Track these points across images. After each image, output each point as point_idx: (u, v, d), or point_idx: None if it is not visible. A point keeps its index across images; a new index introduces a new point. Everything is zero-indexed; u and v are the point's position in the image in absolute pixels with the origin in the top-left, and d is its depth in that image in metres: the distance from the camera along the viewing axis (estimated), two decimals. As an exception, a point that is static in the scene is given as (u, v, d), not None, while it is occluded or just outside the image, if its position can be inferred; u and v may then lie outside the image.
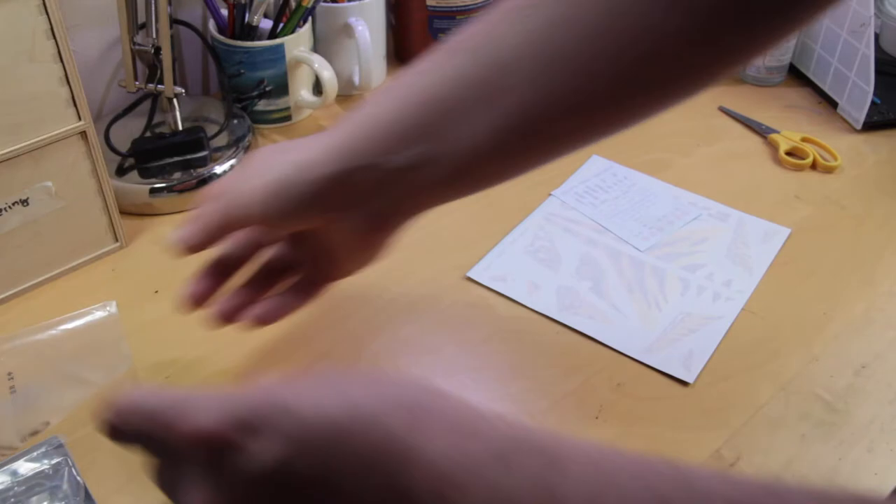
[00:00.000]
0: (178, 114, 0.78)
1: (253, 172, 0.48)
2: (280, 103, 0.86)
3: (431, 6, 0.92)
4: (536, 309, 0.65)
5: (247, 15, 0.82)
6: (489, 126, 0.42)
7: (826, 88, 0.90)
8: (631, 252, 0.71)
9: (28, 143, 0.61)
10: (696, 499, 0.23)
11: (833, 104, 0.89)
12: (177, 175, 0.75)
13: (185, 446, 0.28)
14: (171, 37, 0.73)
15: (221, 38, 0.82)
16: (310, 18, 0.85)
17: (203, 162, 0.76)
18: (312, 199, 0.45)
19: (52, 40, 0.59)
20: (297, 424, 0.26)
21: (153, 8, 0.72)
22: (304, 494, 0.26)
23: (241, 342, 0.62)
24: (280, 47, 0.82)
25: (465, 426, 0.26)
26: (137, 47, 0.74)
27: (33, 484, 0.49)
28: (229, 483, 0.27)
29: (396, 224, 0.49)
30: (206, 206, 0.50)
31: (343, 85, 0.89)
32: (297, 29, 0.83)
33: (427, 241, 0.72)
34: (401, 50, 0.99)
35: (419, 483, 0.24)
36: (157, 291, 0.66)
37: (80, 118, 0.63)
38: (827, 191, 0.78)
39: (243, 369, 0.60)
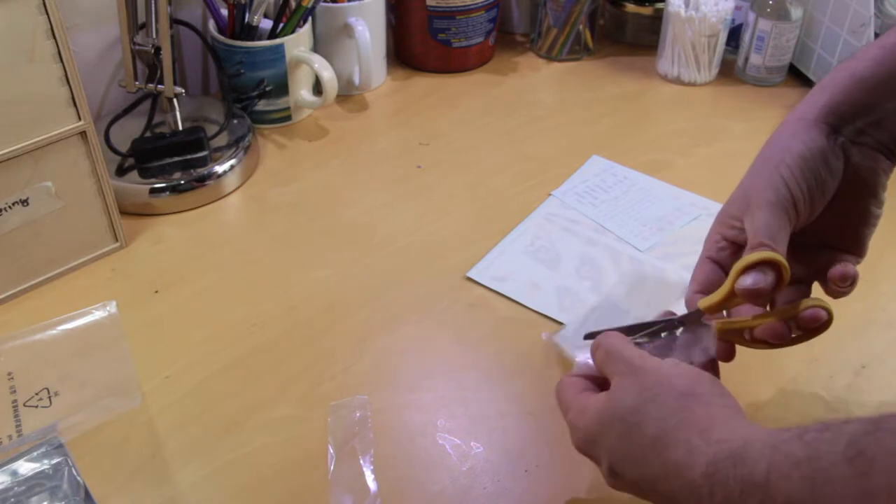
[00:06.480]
0: (178, 114, 0.78)
1: None
2: (280, 103, 0.86)
3: (431, 6, 0.92)
4: (536, 309, 0.65)
5: (247, 15, 0.82)
6: None
7: (826, 88, 0.90)
8: (631, 252, 0.71)
9: (28, 143, 0.61)
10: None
11: (833, 104, 0.89)
12: (177, 175, 0.75)
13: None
14: (171, 37, 0.73)
15: (221, 38, 0.82)
16: (310, 18, 0.85)
17: (203, 162, 0.76)
18: None
19: (52, 40, 0.59)
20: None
21: (153, 8, 0.72)
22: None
23: (241, 342, 0.62)
24: (280, 47, 0.82)
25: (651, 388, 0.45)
26: (137, 47, 0.74)
27: (33, 484, 0.49)
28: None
29: None
30: None
31: (343, 85, 0.89)
32: (297, 29, 0.83)
33: (427, 241, 0.72)
34: (401, 50, 0.99)
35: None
36: (157, 291, 0.66)
37: (80, 118, 0.63)
38: (827, 191, 0.78)
39: (244, 368, 0.60)
